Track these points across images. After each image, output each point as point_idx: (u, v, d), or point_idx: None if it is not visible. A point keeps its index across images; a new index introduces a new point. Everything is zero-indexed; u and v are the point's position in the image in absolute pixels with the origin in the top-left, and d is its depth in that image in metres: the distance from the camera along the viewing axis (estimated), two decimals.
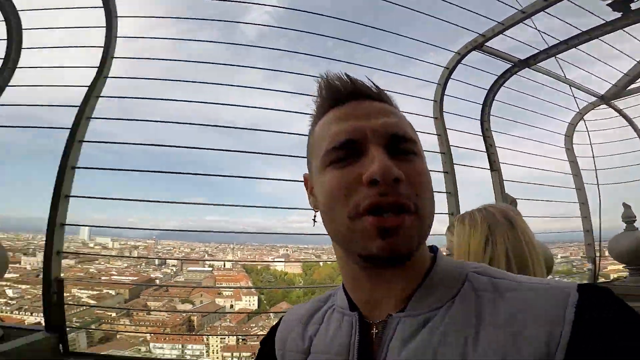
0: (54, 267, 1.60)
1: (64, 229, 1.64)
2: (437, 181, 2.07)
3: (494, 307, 0.43)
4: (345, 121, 0.50)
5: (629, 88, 2.75)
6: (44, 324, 1.58)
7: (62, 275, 1.67)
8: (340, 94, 0.53)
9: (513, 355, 0.38)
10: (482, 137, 2.33)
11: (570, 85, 2.78)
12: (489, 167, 2.24)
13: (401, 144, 0.48)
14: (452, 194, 1.96)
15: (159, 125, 2.04)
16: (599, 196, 2.98)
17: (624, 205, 2.67)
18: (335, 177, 0.48)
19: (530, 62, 2.36)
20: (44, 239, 1.62)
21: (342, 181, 0.47)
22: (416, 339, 0.45)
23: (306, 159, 0.61)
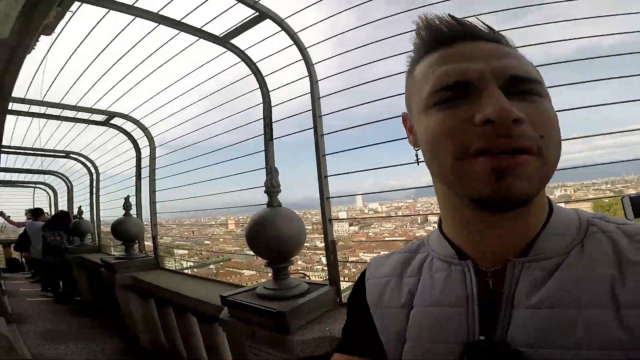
0: (329, 232, 2.05)
1: (330, 201, 2.08)
2: None
3: (635, 249, 0.41)
4: (454, 62, 0.46)
5: None
6: (328, 279, 2.04)
7: (335, 237, 2.08)
8: (445, 35, 0.48)
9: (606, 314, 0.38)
10: None
11: None
12: None
13: (523, 85, 0.44)
14: None
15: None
16: None
17: None
18: (440, 117, 0.45)
19: None
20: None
21: (449, 121, 0.44)
22: (548, 284, 0.43)
23: (405, 100, 0.58)
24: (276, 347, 1.65)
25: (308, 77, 2.21)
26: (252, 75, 2.57)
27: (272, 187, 1.98)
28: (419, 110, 0.50)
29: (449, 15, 0.49)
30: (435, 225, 0.58)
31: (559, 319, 0.41)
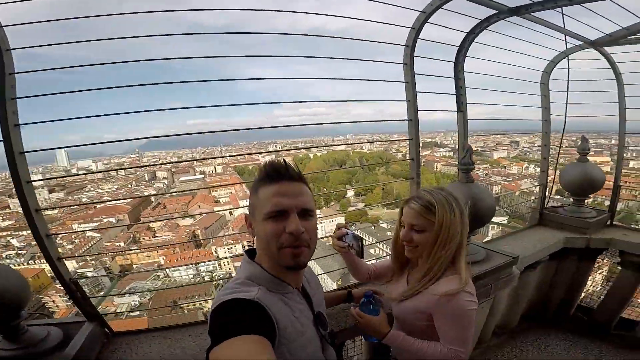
0: (63, 271, 1.60)
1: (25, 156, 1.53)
2: (401, 127, 2.14)
3: (312, 277, 1.21)
4: (280, 196, 0.92)
5: (622, 40, 2.58)
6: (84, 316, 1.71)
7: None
8: (279, 175, 0.94)
9: (322, 294, 1.22)
10: (453, 79, 2.25)
11: (559, 32, 2.56)
12: (455, 109, 2.28)
13: (307, 212, 0.95)
14: (414, 139, 2.07)
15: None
16: (563, 130, 3.00)
17: (582, 137, 2.89)
18: (272, 226, 0.92)
19: (521, 10, 2.07)
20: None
21: (275, 229, 0.92)
22: (311, 286, 1.15)
23: (248, 206, 1.01)
24: None
25: None
26: None
27: None
28: (262, 219, 0.93)
29: (284, 161, 0.97)
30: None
31: (319, 296, 1.16)
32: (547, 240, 2.83)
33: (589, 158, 2.92)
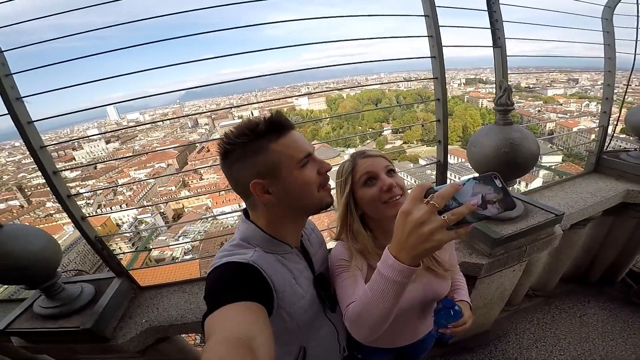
0: (87, 229, 1.66)
1: (59, 175, 1.59)
2: (425, 65, 1.83)
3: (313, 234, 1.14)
4: (302, 142, 0.87)
5: None
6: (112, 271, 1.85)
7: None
8: (289, 124, 0.87)
9: (325, 253, 1.15)
10: (487, 12, 1.81)
11: None
12: (491, 44, 1.86)
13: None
14: (439, 78, 1.75)
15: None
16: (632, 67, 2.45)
17: None
18: (311, 170, 0.87)
19: None
20: None
21: (314, 172, 0.88)
22: (312, 243, 1.09)
23: (258, 168, 0.84)
24: (106, 352, 1.62)
25: None
26: None
27: None
28: (295, 168, 0.85)
29: (281, 113, 0.88)
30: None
31: (321, 255, 1.10)
32: (602, 193, 2.35)
33: None
